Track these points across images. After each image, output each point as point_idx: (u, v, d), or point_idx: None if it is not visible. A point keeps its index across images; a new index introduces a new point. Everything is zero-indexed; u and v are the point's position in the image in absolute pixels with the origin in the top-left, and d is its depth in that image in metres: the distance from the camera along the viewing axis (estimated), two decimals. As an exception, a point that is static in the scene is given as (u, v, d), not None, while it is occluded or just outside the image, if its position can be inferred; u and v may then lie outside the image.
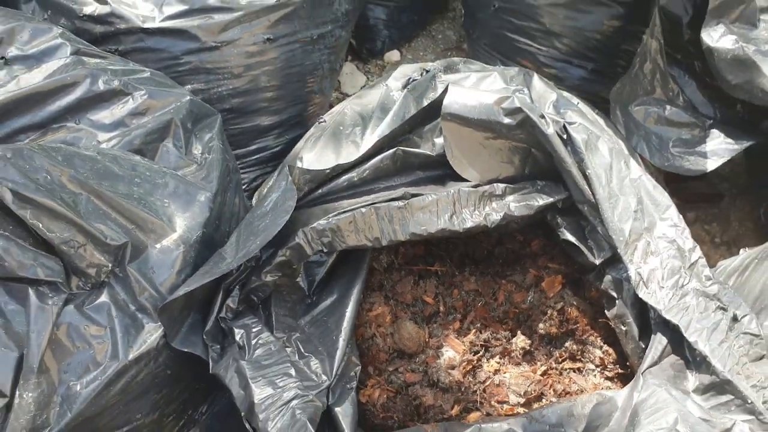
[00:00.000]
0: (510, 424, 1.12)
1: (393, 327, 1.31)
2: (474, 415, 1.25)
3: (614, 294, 1.23)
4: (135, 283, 1.12)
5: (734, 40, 1.45)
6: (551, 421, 1.13)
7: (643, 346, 1.20)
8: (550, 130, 1.17)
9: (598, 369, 1.32)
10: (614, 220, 1.16)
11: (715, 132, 1.61)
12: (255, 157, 1.81)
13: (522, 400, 1.26)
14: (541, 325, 1.33)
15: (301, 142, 1.54)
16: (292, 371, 1.10)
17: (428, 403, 1.26)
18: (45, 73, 1.30)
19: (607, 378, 1.31)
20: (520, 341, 1.32)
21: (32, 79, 1.29)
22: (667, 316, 1.10)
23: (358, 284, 1.26)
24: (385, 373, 1.30)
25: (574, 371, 1.31)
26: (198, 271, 1.16)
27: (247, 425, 1.11)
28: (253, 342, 1.14)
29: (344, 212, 1.21)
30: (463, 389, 1.27)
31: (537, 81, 1.43)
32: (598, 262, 1.24)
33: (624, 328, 1.22)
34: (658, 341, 1.13)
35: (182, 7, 1.58)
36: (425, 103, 1.38)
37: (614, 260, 1.23)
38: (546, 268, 1.36)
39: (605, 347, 1.31)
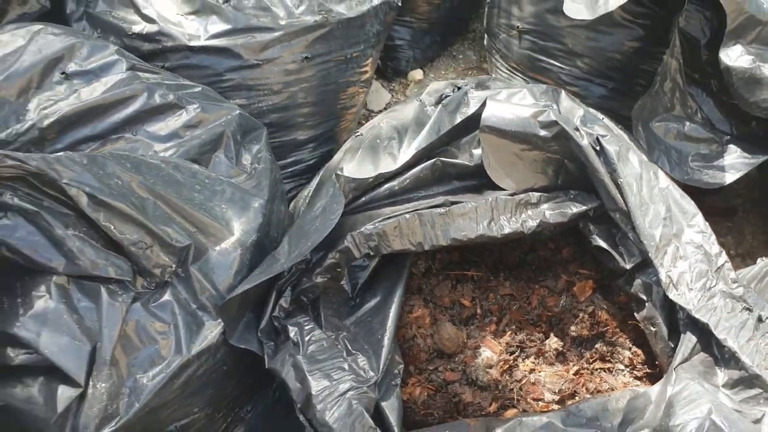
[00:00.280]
0: (549, 417, 1.19)
1: (433, 328, 1.38)
2: (511, 412, 1.31)
3: (644, 297, 1.30)
4: (196, 282, 1.19)
5: (751, 60, 1.54)
6: (587, 415, 1.20)
7: (672, 345, 1.27)
8: (585, 141, 1.24)
9: (628, 369, 1.38)
10: (645, 227, 1.23)
11: (732, 147, 1.70)
12: (291, 169, 1.89)
13: (556, 398, 1.33)
14: (572, 328, 1.40)
15: (340, 154, 1.62)
16: (345, 365, 1.16)
17: (467, 401, 1.32)
18: (104, 87, 1.38)
19: (636, 377, 1.37)
20: (553, 343, 1.39)
21: (93, 92, 1.37)
22: (697, 316, 1.17)
23: (400, 287, 1.33)
24: (425, 372, 1.36)
25: (605, 371, 1.38)
26: (254, 272, 1.23)
27: (302, 417, 1.17)
28: (306, 339, 1.21)
29: (390, 218, 1.28)
30: (500, 387, 1.33)
31: (564, 97, 1.51)
32: (628, 266, 1.31)
33: (653, 329, 1.29)
34: (688, 339, 1.20)
35: (226, 27, 1.66)
36: (458, 117, 1.47)
37: (644, 265, 1.30)
38: (577, 274, 1.43)
39: (634, 348, 1.38)
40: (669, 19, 1.78)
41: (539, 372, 1.36)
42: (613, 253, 1.32)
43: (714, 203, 2.12)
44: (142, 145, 1.37)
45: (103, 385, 1.09)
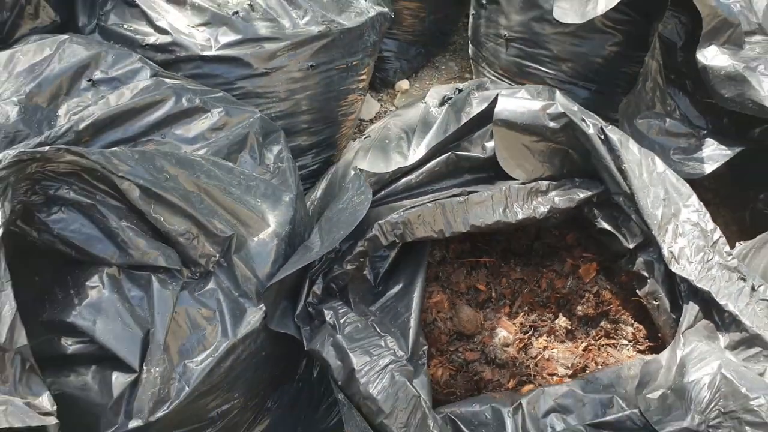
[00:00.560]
0: (569, 385, 1.29)
1: (451, 312, 1.47)
2: (528, 387, 1.40)
3: (646, 274, 1.41)
4: (238, 271, 1.25)
5: (726, 59, 1.68)
6: (604, 382, 1.30)
7: (674, 317, 1.38)
8: (591, 130, 1.36)
9: (631, 344, 1.49)
10: (648, 207, 1.35)
11: (709, 140, 1.84)
12: (296, 173, 1.97)
13: (569, 372, 1.43)
14: (579, 308, 1.50)
15: (350, 154, 1.71)
16: (382, 343, 1.24)
17: (487, 378, 1.41)
18: (133, 92, 1.44)
19: (639, 351, 1.48)
20: (563, 322, 1.49)
21: (121, 97, 1.43)
22: (699, 285, 1.28)
23: (421, 273, 1.41)
24: (446, 353, 1.45)
25: (611, 346, 1.49)
26: (289, 260, 1.30)
27: (341, 396, 1.24)
28: (342, 321, 1.28)
29: (413, 207, 1.37)
30: (517, 364, 1.43)
31: (559, 95, 1.63)
32: (631, 246, 1.42)
33: (656, 303, 1.40)
34: (691, 309, 1.31)
35: (236, 37, 1.74)
36: (463, 116, 1.57)
37: (645, 244, 1.42)
38: (581, 257, 1.54)
39: (636, 324, 1.49)
40: (646, 25, 1.93)
41: (552, 349, 1.46)
42: (617, 234, 1.43)
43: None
44: (170, 147, 1.42)
45: (157, 369, 1.14)
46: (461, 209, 1.39)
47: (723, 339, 1.28)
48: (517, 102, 1.40)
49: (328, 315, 1.29)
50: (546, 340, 1.47)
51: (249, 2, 1.80)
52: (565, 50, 2.02)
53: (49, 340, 1.14)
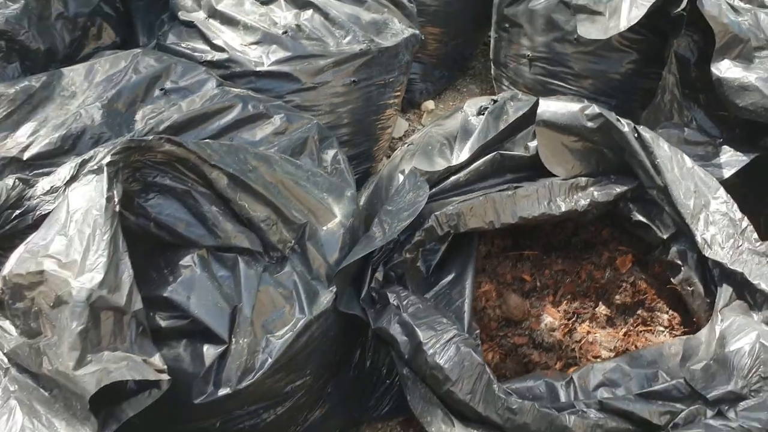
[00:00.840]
0: (616, 361, 1.39)
1: (500, 300, 1.57)
2: (573, 369, 1.50)
3: (679, 262, 1.53)
4: (311, 256, 1.36)
5: (739, 71, 1.83)
6: (648, 359, 1.40)
7: (708, 301, 1.49)
8: (626, 129, 1.49)
9: (667, 330, 1.60)
10: (681, 198, 1.47)
11: (725, 148, 1.98)
12: (339, 182, 2.09)
13: (612, 354, 1.53)
14: (617, 297, 1.61)
15: (396, 159, 1.83)
16: (444, 320, 1.34)
17: (536, 361, 1.51)
18: (202, 100, 1.57)
19: (675, 336, 1.59)
20: (602, 310, 1.60)
21: (193, 104, 1.56)
22: (733, 267, 1.40)
23: (471, 263, 1.53)
24: (496, 338, 1.55)
25: (648, 332, 1.59)
26: (354, 248, 1.41)
27: (405, 370, 1.34)
28: (404, 303, 1.39)
29: (466, 200, 1.49)
30: (563, 347, 1.53)
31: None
32: (665, 236, 1.54)
33: (690, 289, 1.52)
34: (725, 290, 1.43)
35: (287, 54, 1.88)
36: (501, 123, 1.70)
37: (678, 235, 1.54)
38: (617, 250, 1.66)
39: (671, 312, 1.60)
40: (660, 44, 2.08)
41: (594, 333, 1.56)
42: (652, 226, 1.55)
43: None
44: (237, 149, 1.55)
45: (245, 340, 1.24)
46: (510, 202, 1.51)
47: (756, 317, 1.39)
48: (558, 104, 1.54)
49: (392, 297, 1.40)
50: (588, 326, 1.57)
51: (296, 23, 1.94)
52: (585, 68, 2.17)
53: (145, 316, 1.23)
